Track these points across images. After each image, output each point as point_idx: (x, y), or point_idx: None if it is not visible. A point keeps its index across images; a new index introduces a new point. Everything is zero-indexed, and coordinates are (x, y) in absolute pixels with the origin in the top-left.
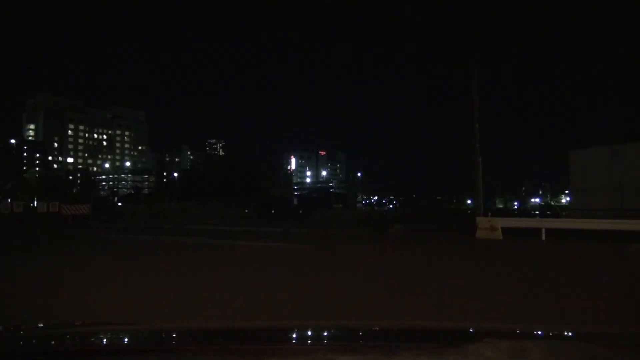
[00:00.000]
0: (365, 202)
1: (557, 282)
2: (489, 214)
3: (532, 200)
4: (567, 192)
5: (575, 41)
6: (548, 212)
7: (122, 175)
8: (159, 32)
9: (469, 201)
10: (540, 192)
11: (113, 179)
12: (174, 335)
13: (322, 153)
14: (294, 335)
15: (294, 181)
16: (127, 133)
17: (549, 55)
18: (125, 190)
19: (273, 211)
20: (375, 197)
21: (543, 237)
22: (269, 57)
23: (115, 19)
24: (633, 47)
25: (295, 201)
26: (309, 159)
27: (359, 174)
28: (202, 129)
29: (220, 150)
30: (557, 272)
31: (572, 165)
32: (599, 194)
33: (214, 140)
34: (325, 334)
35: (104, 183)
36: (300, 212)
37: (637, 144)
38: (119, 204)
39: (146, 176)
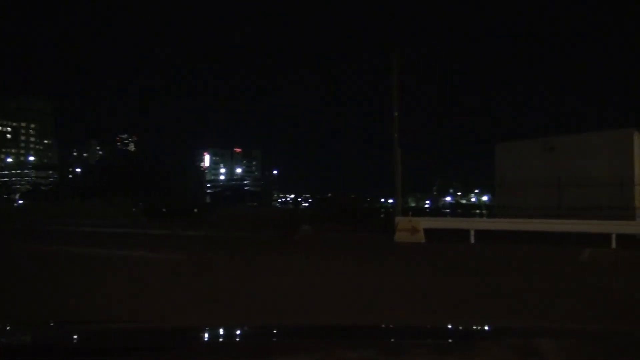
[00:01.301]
0: (282, 200)
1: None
2: (410, 213)
3: (444, 199)
4: (477, 191)
5: (497, 33)
6: (459, 211)
7: (26, 171)
8: (69, 20)
9: (382, 200)
10: (451, 191)
11: (15, 175)
12: (173, 334)
13: (238, 150)
14: (294, 335)
15: (208, 178)
16: (32, 125)
17: (469, 48)
18: (29, 187)
19: (164, 210)
20: (292, 195)
21: (472, 240)
22: (185, 51)
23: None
24: (555, 39)
25: (207, 199)
26: (224, 156)
27: (274, 172)
28: (114, 124)
29: (132, 145)
30: (506, 285)
31: (499, 159)
32: (531, 191)
33: (125, 135)
34: (325, 333)
35: (6, 179)
36: (195, 211)
37: (574, 136)
38: (20, 201)
39: (51, 172)
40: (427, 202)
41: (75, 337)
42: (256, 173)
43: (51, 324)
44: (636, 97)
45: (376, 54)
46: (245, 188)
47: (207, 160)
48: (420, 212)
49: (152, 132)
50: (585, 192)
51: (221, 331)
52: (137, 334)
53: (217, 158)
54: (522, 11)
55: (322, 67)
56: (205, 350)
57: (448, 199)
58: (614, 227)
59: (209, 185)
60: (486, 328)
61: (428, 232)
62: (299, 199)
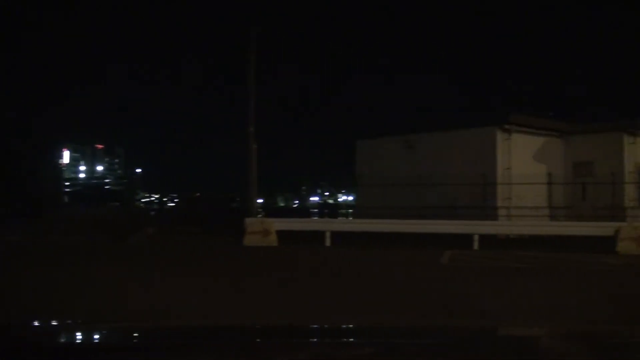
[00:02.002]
0: (147, 200)
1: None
2: (262, 213)
3: (311, 198)
4: (344, 190)
5: (364, 23)
6: (326, 210)
7: None
8: None
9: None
10: (319, 191)
11: None
12: (172, 334)
13: (100, 146)
14: (293, 335)
15: (68, 176)
16: None
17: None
18: None
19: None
20: (157, 195)
21: (328, 243)
22: (46, 42)
23: None
24: (415, 30)
25: (66, 198)
26: (85, 153)
27: (137, 170)
28: None
29: None
30: (354, 292)
31: (359, 157)
32: (392, 190)
33: None
34: (325, 333)
35: None
36: (35, 210)
37: (436, 134)
38: None
39: None
40: (296, 201)
41: (74, 337)
42: (119, 171)
43: (50, 324)
44: (499, 95)
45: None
46: (107, 187)
47: (66, 157)
48: (289, 212)
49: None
50: (447, 191)
51: (220, 331)
52: (137, 334)
53: (78, 155)
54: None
55: (192, 59)
56: (205, 351)
57: (316, 198)
58: (475, 228)
59: (67, 183)
60: (486, 328)
61: (283, 234)
62: (165, 199)
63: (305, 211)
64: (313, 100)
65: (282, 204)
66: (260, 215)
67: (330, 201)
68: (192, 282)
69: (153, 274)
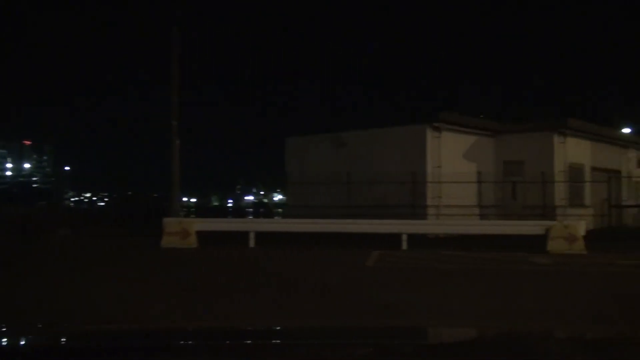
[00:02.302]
0: (76, 199)
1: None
2: (182, 213)
3: (246, 197)
4: (279, 190)
5: (300, 21)
6: (261, 210)
7: None
8: None
9: (185, 198)
10: (255, 190)
11: None
12: (171, 334)
13: (27, 142)
14: (292, 335)
15: None
16: None
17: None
18: None
19: None
20: (89, 194)
21: (252, 244)
22: None
23: None
24: (347, 31)
25: None
26: (12, 150)
27: (66, 168)
28: None
29: None
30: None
31: (289, 155)
32: (322, 188)
33: None
34: (323, 334)
35: None
36: None
37: (367, 131)
38: None
39: None
40: (230, 201)
41: (74, 338)
42: (48, 169)
43: (49, 325)
44: (429, 92)
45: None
46: (35, 185)
47: None
48: (224, 211)
49: None
50: (378, 189)
51: (218, 331)
52: (136, 335)
53: (4, 151)
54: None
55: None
56: (204, 351)
57: (250, 197)
58: (404, 227)
59: None
60: (486, 328)
61: (206, 235)
62: (95, 198)
63: (240, 211)
64: (246, 98)
65: (216, 204)
66: (182, 215)
67: (266, 200)
68: (78, 288)
69: (38, 278)
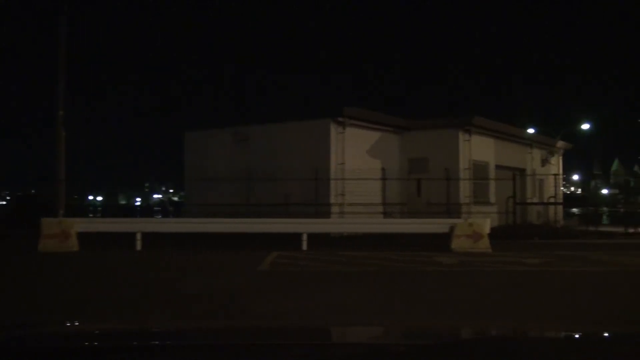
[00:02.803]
0: None
1: None
2: (62, 212)
3: (155, 195)
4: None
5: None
6: (170, 208)
7: None
8: None
9: (90, 197)
10: (164, 188)
11: None
12: (170, 334)
13: None
14: (291, 336)
15: None
16: None
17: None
18: None
19: None
20: None
21: (139, 246)
22: None
23: None
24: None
25: None
26: None
27: None
28: None
29: None
30: None
31: (188, 150)
32: (222, 186)
33: None
34: (322, 334)
35: None
36: None
37: (269, 126)
38: None
39: None
40: (138, 199)
41: (73, 337)
42: None
43: (48, 324)
44: (336, 87)
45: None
46: None
47: None
48: (131, 210)
49: None
50: (280, 187)
51: (217, 331)
52: (136, 334)
53: None
54: None
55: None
56: (203, 351)
57: (159, 196)
58: (305, 226)
59: None
60: (485, 328)
61: (91, 237)
62: None
63: (148, 210)
64: (149, 92)
65: (123, 202)
66: (62, 214)
67: (175, 198)
68: None
69: None
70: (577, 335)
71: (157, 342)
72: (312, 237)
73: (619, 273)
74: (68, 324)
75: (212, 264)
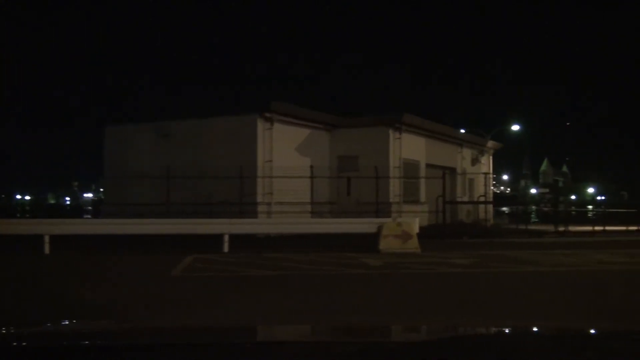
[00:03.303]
0: None
1: None
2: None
3: (85, 195)
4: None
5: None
6: (101, 208)
7: None
8: None
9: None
10: (94, 187)
11: None
12: (167, 334)
13: None
14: (291, 335)
15: None
16: None
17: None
18: None
19: None
20: None
21: (47, 250)
22: None
23: None
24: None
25: None
26: None
27: None
28: None
29: None
30: None
31: (109, 146)
32: (143, 184)
33: None
34: (322, 333)
35: None
36: None
37: (193, 121)
38: None
39: None
40: (67, 198)
41: (73, 336)
42: None
43: (49, 324)
44: (260, 81)
45: None
46: None
47: None
48: (61, 210)
49: None
50: (205, 185)
51: (218, 331)
52: (136, 334)
53: None
54: None
55: None
56: (203, 351)
57: (90, 195)
58: (227, 227)
59: None
60: (485, 328)
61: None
62: None
63: (78, 209)
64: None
65: (52, 201)
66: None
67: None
68: None
69: None
70: (572, 333)
71: (157, 342)
72: (237, 238)
73: (548, 273)
74: (67, 323)
75: (120, 269)
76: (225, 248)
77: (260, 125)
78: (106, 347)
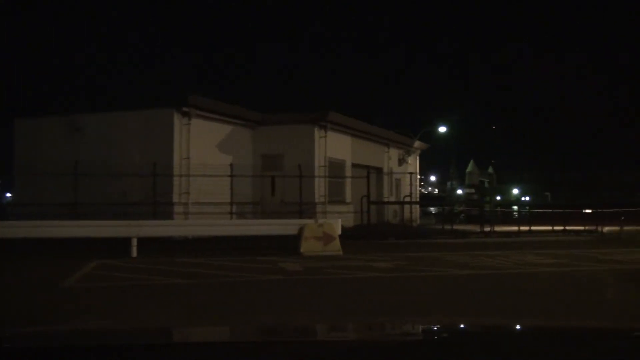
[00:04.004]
0: None
1: None
2: None
3: (8, 194)
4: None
5: None
6: None
7: None
8: None
9: None
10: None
11: None
12: (166, 334)
13: None
14: (291, 335)
15: None
16: None
17: None
18: None
19: None
20: None
21: None
22: None
23: None
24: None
25: None
26: None
27: None
28: None
29: None
30: None
31: (18, 140)
32: (53, 181)
33: None
34: (323, 333)
35: None
36: None
37: (105, 115)
38: None
39: None
40: None
41: (71, 336)
42: None
43: (49, 326)
44: (183, 76)
45: None
46: None
47: None
48: None
49: None
50: (118, 184)
51: (218, 331)
52: (136, 334)
53: None
54: None
55: None
56: (203, 351)
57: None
58: (137, 229)
59: None
60: (484, 327)
61: None
62: None
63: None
64: None
65: None
66: None
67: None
68: None
69: None
70: (572, 333)
71: (156, 342)
72: (152, 242)
73: (472, 277)
74: (66, 324)
75: (4, 279)
76: (134, 253)
77: (178, 120)
78: (106, 347)
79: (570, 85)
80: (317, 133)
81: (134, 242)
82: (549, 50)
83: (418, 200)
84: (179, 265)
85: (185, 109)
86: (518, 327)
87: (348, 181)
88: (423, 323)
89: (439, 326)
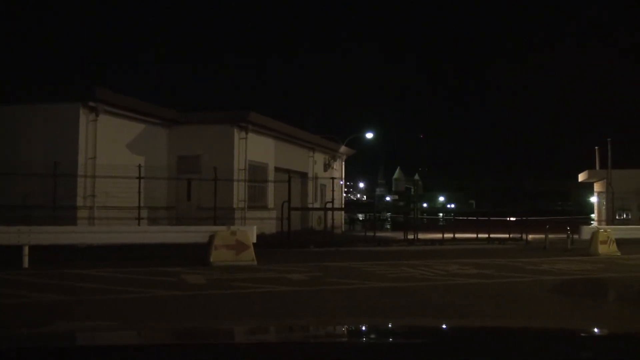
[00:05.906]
0: None
1: None
2: None
3: None
4: None
5: None
6: None
7: None
8: None
9: None
10: None
11: None
12: (165, 334)
13: None
14: (292, 334)
15: None
16: None
17: None
18: None
19: None
20: None
21: None
22: None
23: None
24: None
25: None
26: None
27: None
28: None
29: None
30: None
31: None
32: None
33: None
34: (324, 333)
35: None
36: None
37: (2, 108)
38: None
39: None
40: None
41: (73, 338)
42: None
43: (49, 327)
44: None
45: None
46: None
47: None
48: None
49: None
50: (16, 185)
51: (218, 331)
52: (136, 335)
53: None
54: None
55: None
56: (203, 350)
57: None
58: (26, 237)
59: None
60: (484, 327)
61: None
62: None
63: None
64: None
65: None
66: None
67: None
68: None
69: None
70: (572, 333)
71: (156, 342)
72: (53, 249)
73: (385, 290)
74: (66, 324)
75: None
76: (25, 263)
77: (84, 116)
78: (106, 348)
79: (494, 95)
80: (237, 134)
81: (25, 250)
82: (475, 57)
83: (343, 206)
84: (69, 278)
85: (92, 103)
86: (516, 328)
87: (271, 186)
88: (419, 324)
89: (434, 328)
